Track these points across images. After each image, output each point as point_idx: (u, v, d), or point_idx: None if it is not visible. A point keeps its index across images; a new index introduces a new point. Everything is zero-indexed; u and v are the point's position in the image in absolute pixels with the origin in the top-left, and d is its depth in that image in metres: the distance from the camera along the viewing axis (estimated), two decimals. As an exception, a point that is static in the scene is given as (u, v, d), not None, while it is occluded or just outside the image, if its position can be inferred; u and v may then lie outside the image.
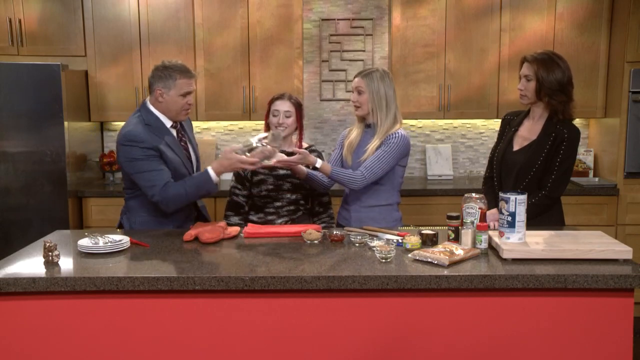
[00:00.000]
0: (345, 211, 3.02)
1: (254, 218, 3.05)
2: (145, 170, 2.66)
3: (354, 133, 2.98)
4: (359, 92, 2.88)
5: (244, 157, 2.63)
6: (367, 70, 2.91)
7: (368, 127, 2.95)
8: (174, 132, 2.82)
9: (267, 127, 3.05)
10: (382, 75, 2.87)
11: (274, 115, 2.99)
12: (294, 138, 3.07)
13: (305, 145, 3.10)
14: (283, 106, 2.97)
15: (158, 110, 2.77)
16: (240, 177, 3.06)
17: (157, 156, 2.69)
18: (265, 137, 2.73)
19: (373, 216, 2.92)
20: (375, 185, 2.89)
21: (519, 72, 2.79)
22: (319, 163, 2.76)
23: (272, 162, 2.67)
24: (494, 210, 2.60)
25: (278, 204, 3.02)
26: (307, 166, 2.82)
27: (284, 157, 2.73)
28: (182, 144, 2.87)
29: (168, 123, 2.79)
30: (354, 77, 2.93)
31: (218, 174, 2.69)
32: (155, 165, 2.67)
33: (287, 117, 2.96)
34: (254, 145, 2.67)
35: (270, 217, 3.02)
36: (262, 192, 3.01)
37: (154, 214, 2.79)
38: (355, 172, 2.80)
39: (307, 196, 3.09)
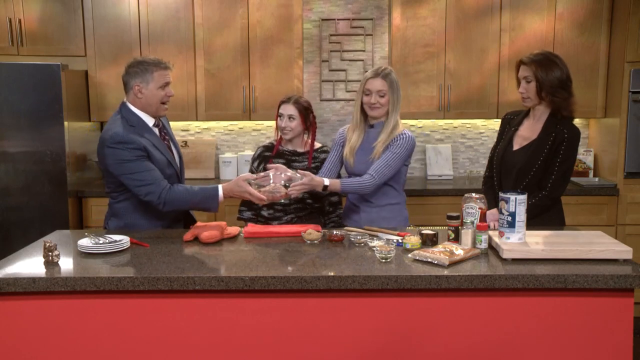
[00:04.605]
0: (355, 213, 3.01)
1: (264, 213, 3.12)
2: (138, 171, 2.63)
3: (355, 135, 2.95)
4: (382, 95, 2.85)
5: (253, 190, 2.65)
6: (383, 70, 2.87)
7: (371, 127, 2.95)
8: (156, 131, 2.80)
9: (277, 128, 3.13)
10: (395, 74, 2.92)
11: (280, 119, 3.06)
12: (305, 137, 3.14)
13: (317, 145, 3.16)
14: (287, 110, 3.03)
15: (138, 109, 2.74)
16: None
17: (146, 156, 2.67)
18: (287, 178, 2.74)
19: (384, 215, 2.93)
20: (384, 185, 2.90)
21: (516, 75, 2.79)
22: (327, 181, 2.77)
23: (284, 194, 2.70)
24: (494, 210, 2.60)
25: (285, 201, 3.05)
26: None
27: (294, 187, 2.76)
28: (166, 142, 2.84)
29: (150, 122, 2.76)
30: (372, 77, 2.86)
31: (226, 195, 2.68)
32: (147, 165, 2.65)
33: (290, 120, 3.03)
34: (268, 185, 2.70)
35: (278, 214, 3.10)
36: None
37: (144, 216, 2.76)
38: (364, 178, 2.80)
39: (317, 196, 3.11)
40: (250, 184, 2.67)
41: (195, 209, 2.80)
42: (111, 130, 2.67)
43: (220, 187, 2.68)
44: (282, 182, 2.70)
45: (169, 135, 2.91)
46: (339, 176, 3.06)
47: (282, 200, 2.84)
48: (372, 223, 2.88)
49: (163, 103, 2.75)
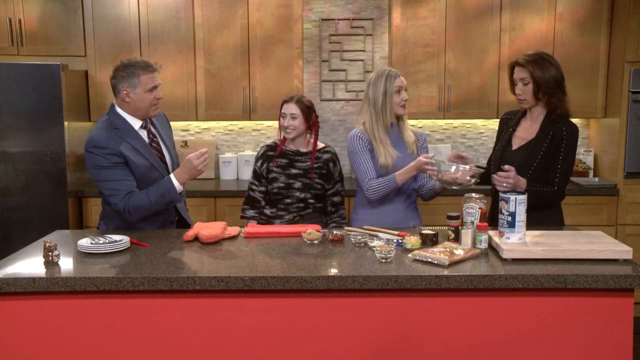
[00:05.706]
0: (367, 215, 2.95)
1: (267, 212, 3.15)
2: (109, 180, 2.61)
3: (382, 132, 2.87)
4: (406, 89, 2.91)
5: (195, 154, 2.59)
6: (392, 69, 2.91)
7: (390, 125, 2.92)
8: (143, 133, 2.75)
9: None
10: None
11: (283, 118, 3.08)
12: (308, 137, 3.15)
13: (320, 145, 3.16)
14: (289, 109, 3.05)
15: (126, 112, 2.71)
16: (257, 174, 3.15)
17: (122, 163, 2.63)
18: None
19: (401, 217, 2.93)
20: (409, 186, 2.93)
21: (509, 77, 2.79)
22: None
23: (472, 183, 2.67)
24: (455, 153, 2.74)
25: (288, 200, 3.09)
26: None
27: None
28: (154, 145, 2.79)
29: (137, 124, 2.73)
30: (399, 76, 2.87)
31: (181, 182, 2.64)
32: (118, 175, 2.62)
33: (293, 119, 3.04)
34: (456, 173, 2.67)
35: (280, 213, 3.12)
36: (274, 189, 3.09)
37: (126, 219, 2.71)
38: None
39: (319, 196, 3.13)
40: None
41: (162, 207, 2.70)
42: (91, 133, 2.68)
43: (172, 175, 2.65)
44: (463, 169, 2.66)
45: (161, 137, 2.85)
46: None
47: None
48: (388, 225, 2.82)
49: (152, 105, 2.71)
